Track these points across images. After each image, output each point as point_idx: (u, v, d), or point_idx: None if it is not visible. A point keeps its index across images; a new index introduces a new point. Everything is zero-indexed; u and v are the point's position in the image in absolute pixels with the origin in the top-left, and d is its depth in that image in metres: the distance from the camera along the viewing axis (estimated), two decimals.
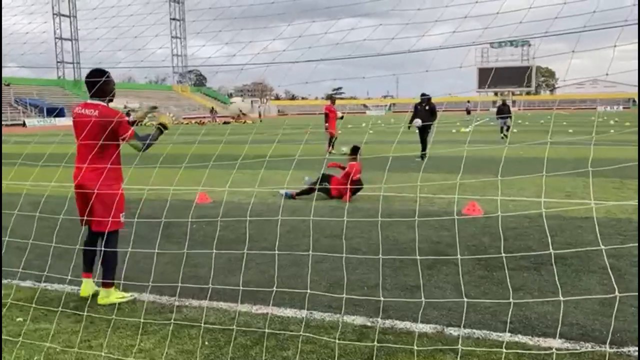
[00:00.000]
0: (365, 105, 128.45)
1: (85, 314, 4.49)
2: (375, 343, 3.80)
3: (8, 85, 74.95)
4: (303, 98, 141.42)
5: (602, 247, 3.58)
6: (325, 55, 4.66)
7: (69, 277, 5.13)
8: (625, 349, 3.78)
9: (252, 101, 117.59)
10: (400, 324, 4.29)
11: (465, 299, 4.32)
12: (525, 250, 6.29)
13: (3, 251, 5.75)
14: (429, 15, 4.48)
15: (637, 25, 3.26)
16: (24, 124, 63.42)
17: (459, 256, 5.50)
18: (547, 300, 4.65)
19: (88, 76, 4.95)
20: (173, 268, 5.73)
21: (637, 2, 3.56)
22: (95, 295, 4.99)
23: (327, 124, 20.08)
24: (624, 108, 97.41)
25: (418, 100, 17.58)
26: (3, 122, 60.72)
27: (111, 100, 5.02)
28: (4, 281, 5.35)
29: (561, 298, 3.88)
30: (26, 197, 5.60)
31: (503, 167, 9.83)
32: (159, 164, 4.90)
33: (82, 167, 4.75)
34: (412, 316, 4.42)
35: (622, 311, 4.41)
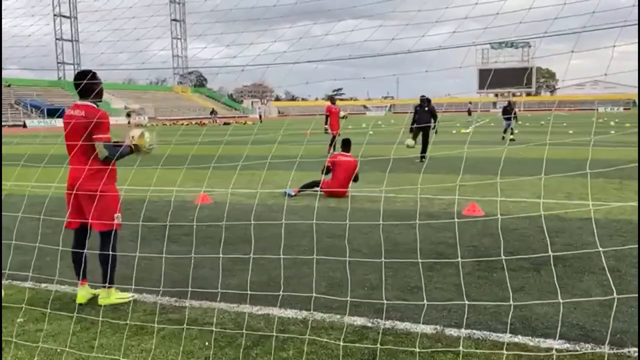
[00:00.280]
0: (365, 106, 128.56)
1: (85, 315, 4.50)
2: (378, 345, 3.80)
3: (9, 86, 75.04)
4: (303, 99, 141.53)
5: (601, 249, 3.58)
6: (325, 57, 4.67)
7: (70, 279, 5.15)
8: (625, 350, 3.78)
9: (252, 101, 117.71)
10: (401, 325, 4.29)
11: (466, 301, 4.33)
12: (525, 251, 6.30)
13: (3, 252, 5.76)
14: (429, 16, 4.49)
15: (637, 26, 3.27)
16: (24, 125, 63.48)
17: (459, 258, 5.50)
18: (548, 301, 4.65)
19: (75, 78, 4.99)
20: (173, 268, 5.74)
21: (637, 3, 3.56)
22: (94, 297, 4.99)
23: (327, 125, 20.06)
24: (624, 109, 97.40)
25: (418, 101, 17.58)
26: (4, 123, 60.81)
27: (100, 101, 5.04)
28: (4, 282, 5.35)
29: (560, 300, 3.88)
30: (28, 198, 5.61)
31: (503, 168, 9.85)
32: (161, 165, 4.91)
33: (73, 167, 4.75)
34: (413, 317, 4.42)
35: (622, 312, 4.41)
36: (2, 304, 4.67)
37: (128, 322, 4.23)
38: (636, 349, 3.77)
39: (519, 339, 4.00)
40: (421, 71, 4.33)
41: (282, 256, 5.07)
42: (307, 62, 4.75)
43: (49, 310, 4.58)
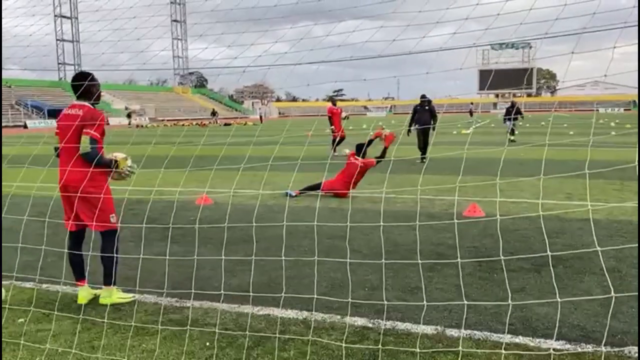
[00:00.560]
0: (365, 107, 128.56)
1: (86, 315, 4.50)
2: (380, 347, 3.81)
3: (9, 87, 75.09)
4: (304, 100, 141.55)
5: (599, 249, 3.59)
6: (326, 58, 4.68)
7: (71, 280, 5.15)
8: (625, 351, 3.79)
9: (253, 102, 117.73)
10: (401, 325, 4.30)
11: (466, 301, 4.33)
12: (525, 251, 6.30)
13: (6, 252, 5.77)
14: (430, 17, 4.50)
15: (637, 27, 3.27)
16: (25, 126, 63.52)
17: (459, 259, 5.50)
18: (548, 301, 4.65)
19: (73, 79, 5.00)
20: (174, 269, 5.74)
21: (637, 4, 3.57)
22: (95, 297, 5.00)
23: (332, 127, 20.10)
24: (624, 110, 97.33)
25: (418, 101, 17.59)
26: (4, 124, 60.84)
27: (97, 102, 5.04)
28: (5, 282, 5.36)
29: (558, 299, 3.88)
30: (31, 199, 5.62)
31: (504, 169, 9.85)
32: (164, 167, 4.92)
33: (65, 168, 4.74)
34: (413, 317, 4.43)
35: (623, 312, 4.42)
36: (4, 305, 4.68)
37: (131, 323, 4.24)
38: (637, 349, 3.77)
39: (519, 339, 4.01)
40: (422, 72, 4.34)
41: (283, 258, 5.08)
42: (308, 64, 4.76)
43: (50, 311, 4.60)
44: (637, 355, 3.71)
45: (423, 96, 17.40)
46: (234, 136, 32.51)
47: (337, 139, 19.89)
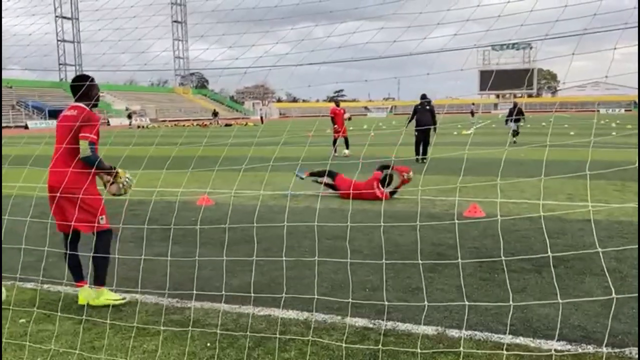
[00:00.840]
0: (366, 108, 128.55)
1: (87, 316, 4.50)
2: (380, 347, 3.81)
3: (10, 87, 75.14)
4: (304, 100, 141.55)
5: (600, 250, 3.59)
6: (327, 58, 4.68)
7: (72, 280, 5.15)
8: (626, 351, 3.79)
9: (253, 103, 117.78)
10: (402, 326, 4.30)
11: (467, 302, 4.33)
12: (526, 252, 6.30)
13: (7, 253, 5.77)
14: (431, 18, 4.50)
15: (637, 28, 3.28)
16: (26, 127, 63.56)
17: (459, 260, 5.50)
18: (550, 302, 4.65)
19: (73, 81, 5.01)
20: (175, 269, 5.75)
21: (637, 5, 3.57)
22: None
23: (335, 126, 20.14)
24: (625, 110, 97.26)
25: (418, 102, 17.59)
26: (5, 125, 60.88)
27: (95, 105, 5.03)
28: (7, 283, 5.37)
29: (560, 300, 3.88)
30: (30, 200, 5.63)
31: (504, 169, 9.84)
32: (165, 168, 4.92)
33: (54, 169, 4.73)
34: (414, 318, 4.43)
35: (624, 313, 4.42)
36: (5, 305, 4.69)
37: (132, 323, 4.24)
38: (637, 350, 3.77)
39: (520, 340, 4.01)
40: (422, 73, 4.35)
41: (284, 258, 5.09)
42: (309, 65, 4.76)
43: (51, 312, 4.60)
44: (637, 356, 3.71)
45: (423, 96, 17.39)
46: (234, 137, 32.53)
47: (337, 139, 19.92)
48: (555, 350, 3.77)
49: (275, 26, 5.58)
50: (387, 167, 10.23)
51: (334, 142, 19.80)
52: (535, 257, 5.91)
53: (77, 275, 4.99)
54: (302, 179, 10.70)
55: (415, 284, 5.25)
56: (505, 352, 3.62)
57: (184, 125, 65.23)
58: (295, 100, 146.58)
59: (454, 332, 4.16)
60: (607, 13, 3.74)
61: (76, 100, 4.94)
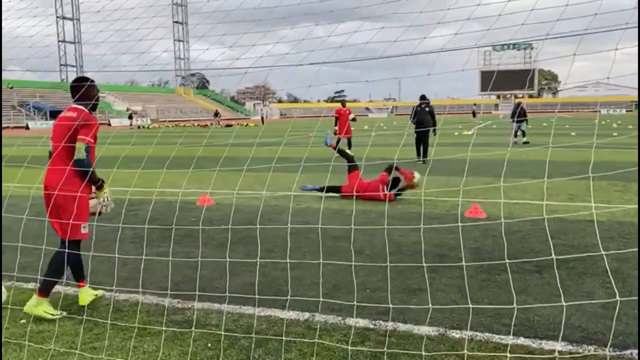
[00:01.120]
0: (367, 108, 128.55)
1: (88, 316, 4.50)
2: (385, 349, 3.80)
3: (11, 88, 75.19)
4: (305, 101, 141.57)
5: (603, 252, 3.58)
6: (328, 59, 4.67)
7: (72, 280, 5.15)
8: (627, 352, 3.78)
9: (254, 104, 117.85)
10: (403, 327, 4.29)
11: (470, 304, 4.32)
12: (528, 252, 6.29)
13: (6, 253, 5.77)
14: (431, 18, 4.50)
15: (637, 28, 3.27)
16: (27, 127, 63.60)
17: (463, 262, 5.49)
18: (550, 304, 4.64)
19: (72, 82, 4.99)
20: (175, 270, 5.74)
21: (637, 6, 3.56)
22: (97, 297, 4.99)
23: (336, 127, 20.15)
24: (626, 111, 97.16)
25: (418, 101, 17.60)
26: (6, 125, 60.92)
27: (95, 107, 5.01)
28: (6, 283, 5.36)
29: (563, 303, 3.88)
30: (29, 199, 5.62)
31: (505, 170, 9.82)
32: (165, 168, 4.91)
33: (49, 169, 4.69)
34: (415, 319, 4.42)
35: (625, 314, 4.41)
36: (5, 305, 4.69)
37: (133, 324, 4.24)
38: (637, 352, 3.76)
39: (521, 341, 4.00)
40: (423, 74, 4.34)
41: (288, 261, 5.08)
42: (310, 65, 4.76)
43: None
44: (637, 357, 3.70)
45: (422, 97, 17.38)
46: (235, 137, 32.54)
47: (338, 140, 19.92)
48: (557, 351, 3.76)
49: (276, 26, 5.57)
50: (394, 168, 10.25)
51: (337, 142, 19.81)
52: (537, 259, 5.90)
53: (78, 275, 4.97)
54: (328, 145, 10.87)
55: (416, 285, 5.24)
56: (509, 354, 3.61)
57: (184, 125, 65.26)
58: (296, 100, 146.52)
59: (454, 333, 4.15)
60: (608, 13, 3.73)
61: (75, 102, 4.93)
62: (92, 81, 5.00)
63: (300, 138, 25.50)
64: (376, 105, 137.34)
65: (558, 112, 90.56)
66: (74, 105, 4.90)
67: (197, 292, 4.55)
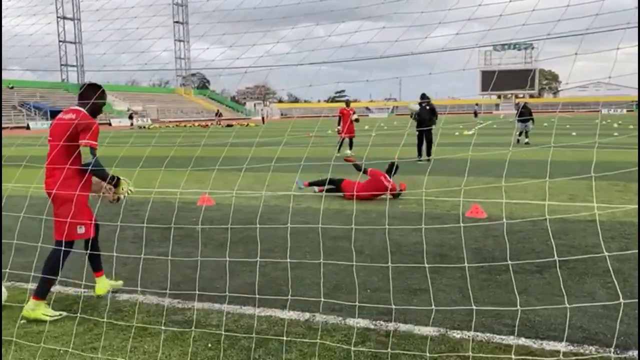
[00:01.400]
0: (368, 108, 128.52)
1: (88, 316, 4.50)
2: (389, 350, 3.79)
3: (12, 88, 75.20)
4: (306, 101, 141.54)
5: (606, 253, 3.57)
6: (328, 58, 4.66)
7: (72, 280, 5.15)
8: (629, 353, 3.77)
9: (255, 104, 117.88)
10: (404, 327, 4.28)
11: (471, 303, 4.31)
12: (528, 252, 6.28)
13: (5, 253, 5.77)
14: (432, 18, 4.49)
15: (637, 28, 3.26)
16: (27, 127, 63.62)
17: (465, 262, 5.49)
18: (552, 304, 4.63)
19: (84, 86, 4.97)
20: (176, 270, 5.74)
21: (637, 6, 3.55)
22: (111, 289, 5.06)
23: (339, 127, 20.18)
24: (627, 111, 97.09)
25: (418, 101, 17.63)
26: (7, 125, 60.94)
27: (97, 113, 4.98)
28: (7, 283, 5.36)
29: (567, 305, 3.86)
30: (30, 199, 5.62)
31: (506, 170, 9.81)
32: (165, 168, 4.90)
33: (49, 172, 4.70)
34: (416, 319, 4.41)
35: (626, 314, 4.39)
36: (6, 305, 4.68)
37: (133, 324, 4.23)
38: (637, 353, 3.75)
39: (522, 341, 3.99)
40: (424, 73, 4.33)
41: (288, 260, 5.08)
42: (310, 64, 4.75)
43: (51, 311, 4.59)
44: (638, 357, 3.69)
45: (423, 96, 17.40)
46: (235, 137, 32.55)
47: (341, 140, 19.94)
48: (558, 351, 3.75)
49: (276, 26, 5.56)
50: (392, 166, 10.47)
51: (341, 142, 19.84)
52: (537, 261, 5.89)
53: (96, 266, 5.00)
54: (300, 188, 10.71)
55: (416, 285, 5.23)
56: (513, 356, 3.59)
57: (185, 125, 65.27)
58: (297, 100, 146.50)
59: (455, 334, 4.15)
60: (609, 13, 3.72)
61: (78, 105, 4.90)
62: (103, 90, 4.99)
63: (301, 138, 25.51)
64: (377, 105, 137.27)
65: (559, 112, 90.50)
66: (75, 108, 4.87)
67: (198, 292, 4.54)
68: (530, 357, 3.69)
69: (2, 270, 5.09)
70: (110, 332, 4.24)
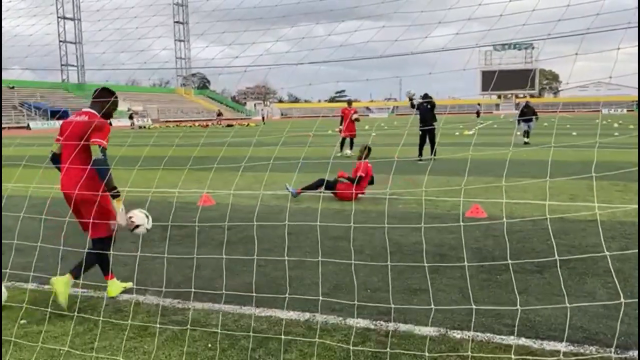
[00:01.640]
0: (368, 108, 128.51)
1: (88, 316, 4.49)
2: (388, 350, 3.79)
3: (12, 88, 75.21)
4: (306, 101, 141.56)
5: (607, 253, 3.57)
6: (328, 58, 4.66)
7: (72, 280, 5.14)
8: (629, 353, 3.76)
9: (255, 104, 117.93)
10: (404, 327, 4.28)
11: (471, 303, 4.31)
12: (528, 252, 6.27)
13: (6, 253, 5.76)
14: (432, 17, 4.48)
15: (637, 28, 3.25)
16: (28, 127, 63.63)
17: (465, 262, 5.49)
18: (552, 304, 4.63)
19: (98, 89, 5.09)
20: (175, 270, 5.74)
21: (637, 6, 3.55)
22: (125, 289, 5.15)
23: (341, 126, 20.21)
24: (627, 111, 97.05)
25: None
26: (7, 125, 60.96)
27: (107, 116, 5.07)
28: (7, 283, 5.36)
29: (567, 305, 3.86)
30: (30, 199, 5.62)
31: (506, 170, 9.80)
32: (165, 167, 4.90)
33: (66, 173, 4.79)
34: (416, 319, 4.41)
35: (627, 314, 4.39)
36: (6, 305, 4.68)
37: (130, 323, 4.23)
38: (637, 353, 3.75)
39: (522, 341, 3.98)
40: (424, 73, 4.33)
41: (286, 258, 5.07)
42: (309, 64, 4.74)
43: (52, 312, 4.59)
44: (638, 357, 3.69)
45: (425, 95, 17.40)
46: (235, 137, 32.55)
47: (342, 139, 19.96)
48: (558, 351, 3.74)
49: (275, 25, 5.56)
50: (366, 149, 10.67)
51: (342, 141, 19.86)
52: (537, 260, 5.88)
53: (106, 270, 5.08)
54: (295, 196, 10.48)
55: (416, 285, 5.23)
56: (513, 356, 3.59)
57: (185, 126, 65.28)
58: (297, 100, 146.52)
59: (456, 333, 4.14)
60: (609, 13, 3.72)
61: (91, 107, 4.99)
62: (116, 97, 5.09)
63: (300, 138, 25.50)
64: (377, 105, 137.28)
65: (560, 112, 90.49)
66: (87, 110, 4.99)
67: (197, 292, 4.54)
68: (531, 357, 3.68)
69: (2, 270, 5.10)
70: (110, 332, 4.23)
